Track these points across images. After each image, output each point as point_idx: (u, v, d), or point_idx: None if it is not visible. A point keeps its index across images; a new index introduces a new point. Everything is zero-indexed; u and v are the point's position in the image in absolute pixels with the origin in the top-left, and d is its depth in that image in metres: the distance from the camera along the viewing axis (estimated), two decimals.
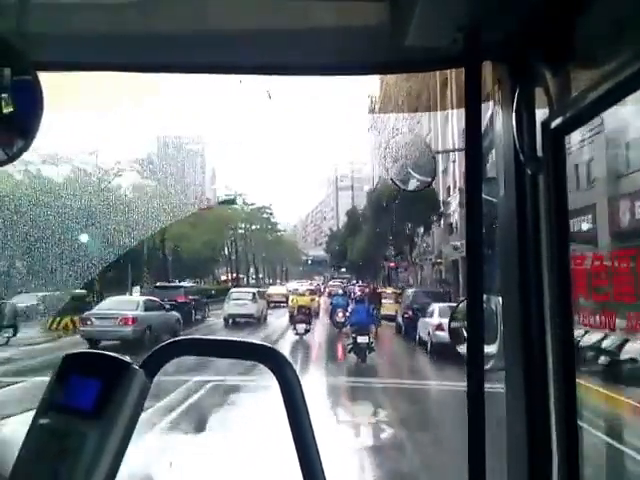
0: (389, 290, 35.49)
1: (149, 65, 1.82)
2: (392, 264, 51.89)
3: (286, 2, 1.58)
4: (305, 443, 1.10)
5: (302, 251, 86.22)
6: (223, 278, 58.18)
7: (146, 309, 21.44)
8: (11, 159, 1.33)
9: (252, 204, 58.12)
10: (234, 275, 59.12)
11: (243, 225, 59.50)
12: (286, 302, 34.76)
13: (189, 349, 1.29)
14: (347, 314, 21.88)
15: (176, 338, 1.24)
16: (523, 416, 1.60)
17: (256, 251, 65.42)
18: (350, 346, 18.64)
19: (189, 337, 1.31)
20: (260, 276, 71.85)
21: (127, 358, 1.11)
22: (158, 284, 31.17)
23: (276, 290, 42.00)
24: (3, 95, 1.29)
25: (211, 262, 50.66)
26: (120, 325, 19.68)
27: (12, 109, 1.30)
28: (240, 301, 29.02)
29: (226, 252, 56.23)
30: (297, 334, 22.57)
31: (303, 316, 23.17)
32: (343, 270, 71.42)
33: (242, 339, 1.26)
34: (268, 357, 1.15)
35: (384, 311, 28.32)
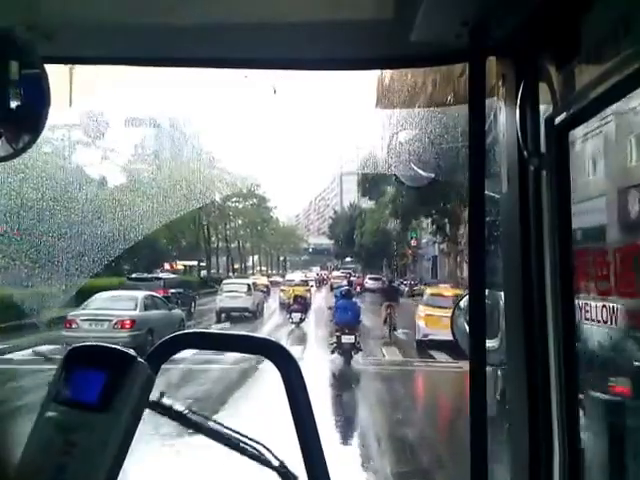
0: (446, 290, 21.51)
1: (156, 59, 1.83)
2: (410, 251, 45.58)
3: None
4: (307, 435, 1.12)
5: (302, 239, 76.71)
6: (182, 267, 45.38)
7: (146, 307, 17.64)
8: (18, 153, 1.34)
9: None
10: (195, 264, 45.49)
11: (217, 199, 40.80)
12: (267, 293, 34.57)
13: (194, 342, 1.30)
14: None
15: (181, 332, 1.25)
16: (525, 409, 1.61)
17: (242, 235, 55.11)
18: (333, 345, 16.67)
19: (194, 330, 1.33)
20: (248, 264, 61.06)
21: (132, 351, 1.12)
22: (133, 275, 26.11)
23: (257, 281, 38.33)
24: (11, 89, 1.29)
25: (155, 248, 35.44)
26: (115, 329, 15.90)
27: (20, 103, 1.30)
28: (234, 293, 26.13)
29: (200, 235, 43.60)
30: (292, 323, 23.20)
31: (298, 305, 23.75)
32: (348, 260, 64.74)
33: (247, 333, 1.28)
34: (272, 351, 1.16)
35: (438, 332, 15.87)
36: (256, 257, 67.16)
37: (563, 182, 1.56)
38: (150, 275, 27.94)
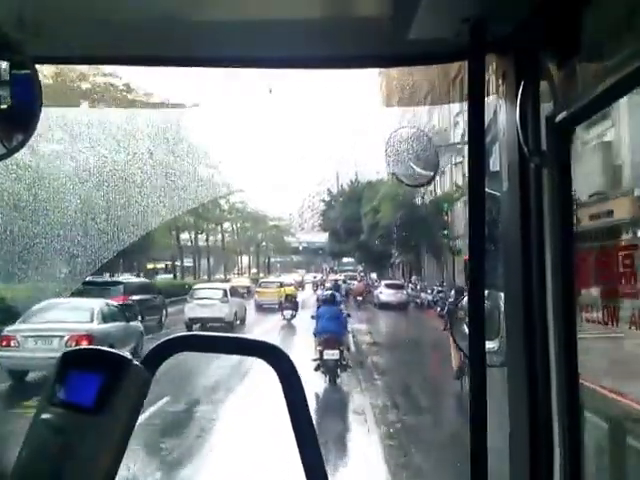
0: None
1: (150, 57, 1.81)
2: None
3: None
4: (305, 437, 1.11)
5: (291, 233, 61.26)
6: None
7: (105, 319, 14.49)
8: (10, 153, 1.33)
9: None
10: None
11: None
12: (248, 293, 32.93)
13: (190, 345, 1.29)
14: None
15: (178, 334, 1.23)
16: (525, 411, 1.60)
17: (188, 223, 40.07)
18: (317, 362, 13.87)
19: (190, 333, 1.31)
20: (198, 264, 46.36)
21: (127, 354, 1.11)
22: (88, 279, 20.60)
23: (239, 282, 37.16)
24: (2, 89, 1.28)
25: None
26: (68, 348, 9.43)
27: (11, 103, 1.30)
28: (206, 301, 22.81)
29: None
30: (284, 319, 24.31)
31: (289, 304, 25.29)
32: (346, 261, 52.55)
33: (243, 335, 1.27)
34: (269, 353, 1.15)
35: None
36: (245, 260, 59.49)
37: (564, 180, 1.55)
38: (108, 280, 23.60)
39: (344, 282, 37.02)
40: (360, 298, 32.71)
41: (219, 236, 47.53)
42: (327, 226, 49.82)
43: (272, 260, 64.92)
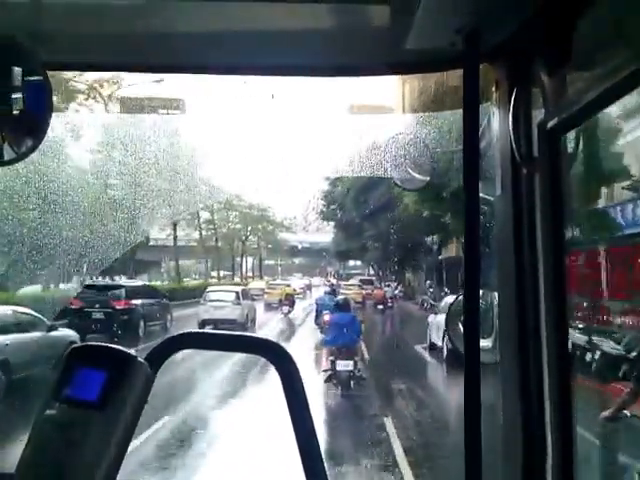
0: None
1: (156, 65, 1.85)
2: None
3: (287, 4, 1.60)
4: (306, 435, 1.14)
5: (285, 226, 50.51)
6: None
7: (3, 330, 12.01)
8: (20, 158, 1.36)
9: None
10: None
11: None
12: (263, 295, 34.52)
13: (194, 342, 1.32)
14: None
15: (182, 331, 1.27)
16: (518, 410, 1.63)
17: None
18: (328, 373, 13.13)
19: (194, 331, 1.35)
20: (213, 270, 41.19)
21: (132, 351, 1.14)
22: (88, 282, 18.63)
23: (255, 285, 38.95)
24: (14, 94, 1.32)
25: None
26: None
27: (22, 108, 1.33)
28: (219, 303, 23.50)
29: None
30: (282, 313, 28.98)
31: (288, 302, 29.98)
32: (352, 264, 46.11)
33: (245, 333, 1.30)
34: (270, 351, 1.18)
35: None
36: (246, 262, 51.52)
37: (555, 185, 1.58)
38: (110, 283, 22.62)
39: (359, 287, 35.02)
40: (381, 307, 30.69)
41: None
42: (330, 215, 39.86)
43: (271, 263, 59.14)
